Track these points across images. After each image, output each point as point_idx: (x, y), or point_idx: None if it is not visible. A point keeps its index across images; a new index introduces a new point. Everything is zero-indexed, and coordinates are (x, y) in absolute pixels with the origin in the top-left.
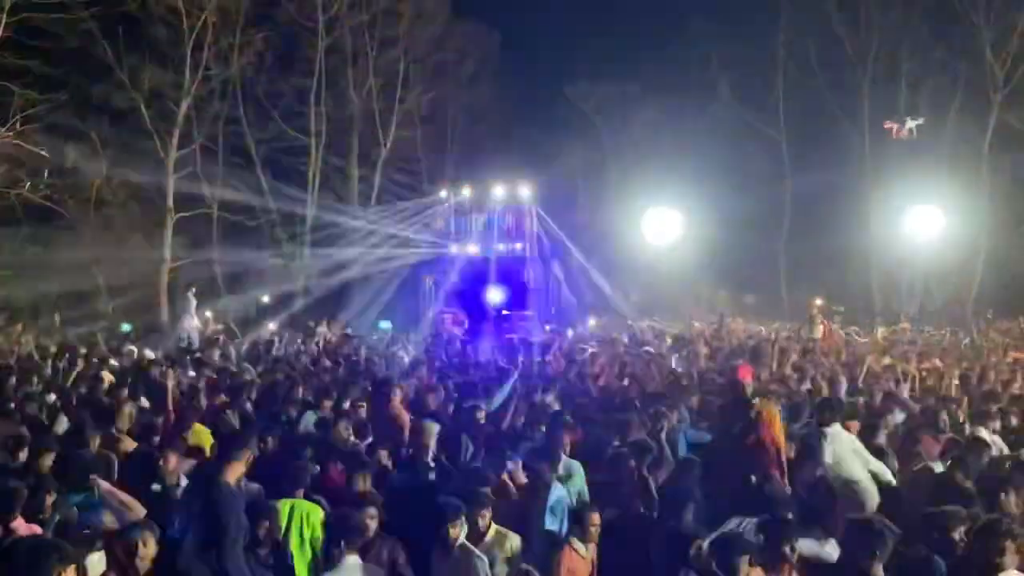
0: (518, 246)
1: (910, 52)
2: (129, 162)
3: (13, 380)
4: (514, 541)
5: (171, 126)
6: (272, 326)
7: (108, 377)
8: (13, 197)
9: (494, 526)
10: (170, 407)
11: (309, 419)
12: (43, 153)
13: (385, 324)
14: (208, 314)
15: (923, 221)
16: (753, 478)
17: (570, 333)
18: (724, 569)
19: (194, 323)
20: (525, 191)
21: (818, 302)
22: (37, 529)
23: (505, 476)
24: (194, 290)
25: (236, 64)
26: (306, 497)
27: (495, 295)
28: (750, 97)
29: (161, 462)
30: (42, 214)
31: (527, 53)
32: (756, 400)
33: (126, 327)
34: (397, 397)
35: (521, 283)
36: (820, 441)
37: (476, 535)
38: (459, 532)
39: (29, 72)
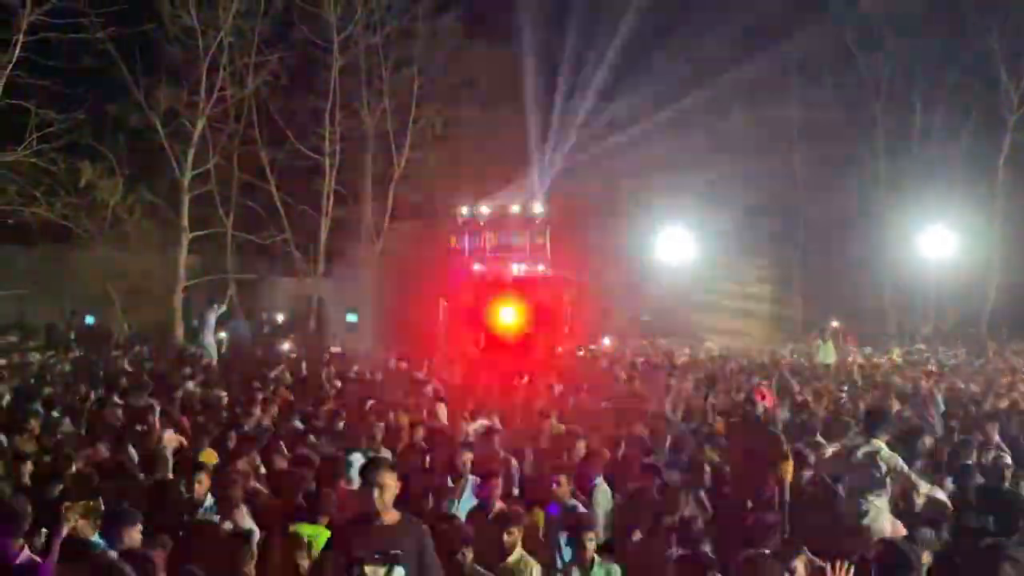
0: (532, 265)
1: (924, 73)
2: (145, 181)
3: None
4: (534, 570)
5: (186, 145)
6: (287, 345)
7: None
8: (29, 215)
9: (520, 550)
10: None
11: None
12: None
13: (352, 317)
14: (222, 334)
15: (937, 241)
16: (749, 503)
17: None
18: None
19: (212, 338)
20: (539, 210)
21: (834, 324)
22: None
23: None
24: (216, 305)
25: (251, 84)
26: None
27: (509, 314)
28: (764, 117)
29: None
30: (58, 232)
31: (540, 72)
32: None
33: (90, 320)
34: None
35: (535, 302)
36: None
37: (500, 553)
38: (469, 555)
39: (46, 91)
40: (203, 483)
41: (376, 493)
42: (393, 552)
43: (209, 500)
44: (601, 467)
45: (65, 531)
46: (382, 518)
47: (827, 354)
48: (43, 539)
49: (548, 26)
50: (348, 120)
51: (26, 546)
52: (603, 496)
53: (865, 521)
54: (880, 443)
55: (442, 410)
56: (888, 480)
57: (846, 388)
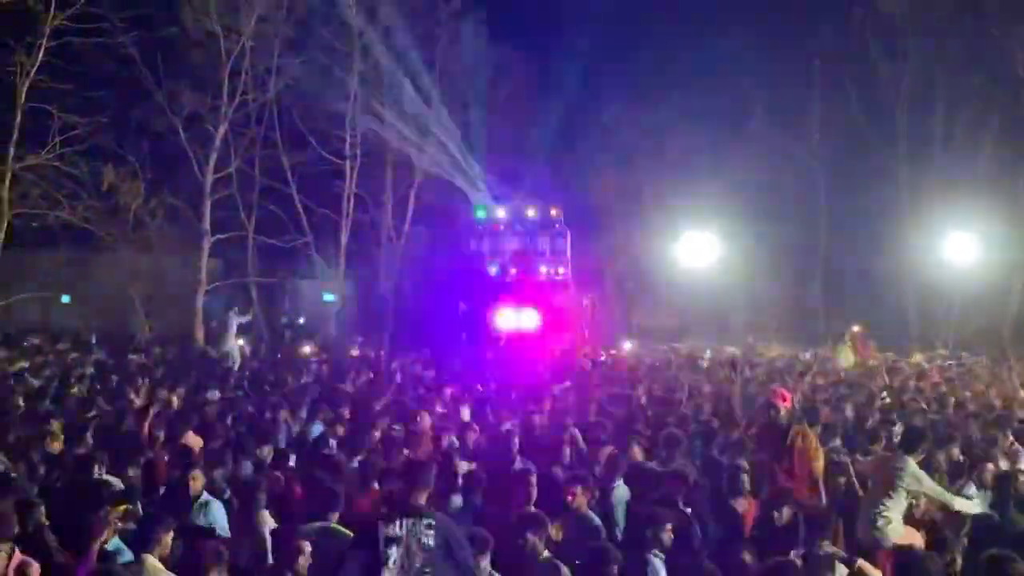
0: (551, 269)
1: (946, 77)
2: (167, 184)
3: None
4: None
5: (208, 149)
6: (307, 348)
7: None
8: (53, 218)
9: (546, 553)
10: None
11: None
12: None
13: (329, 297)
14: (240, 342)
15: (960, 247)
16: (786, 510)
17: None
18: None
19: (235, 343)
20: (558, 214)
21: (855, 328)
22: (34, 564)
23: None
24: (236, 309)
25: (273, 88)
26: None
27: (528, 319)
28: (784, 121)
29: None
30: (80, 236)
31: (562, 77)
32: (793, 426)
33: (65, 298)
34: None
35: (554, 306)
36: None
37: (524, 555)
38: (486, 561)
39: (69, 95)
40: (197, 480)
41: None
42: None
43: (205, 496)
44: (622, 472)
45: (106, 535)
46: None
47: (846, 357)
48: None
49: (569, 32)
50: (369, 124)
51: (16, 550)
52: (622, 494)
53: (879, 525)
54: (911, 461)
55: (465, 413)
56: (907, 495)
57: (885, 393)
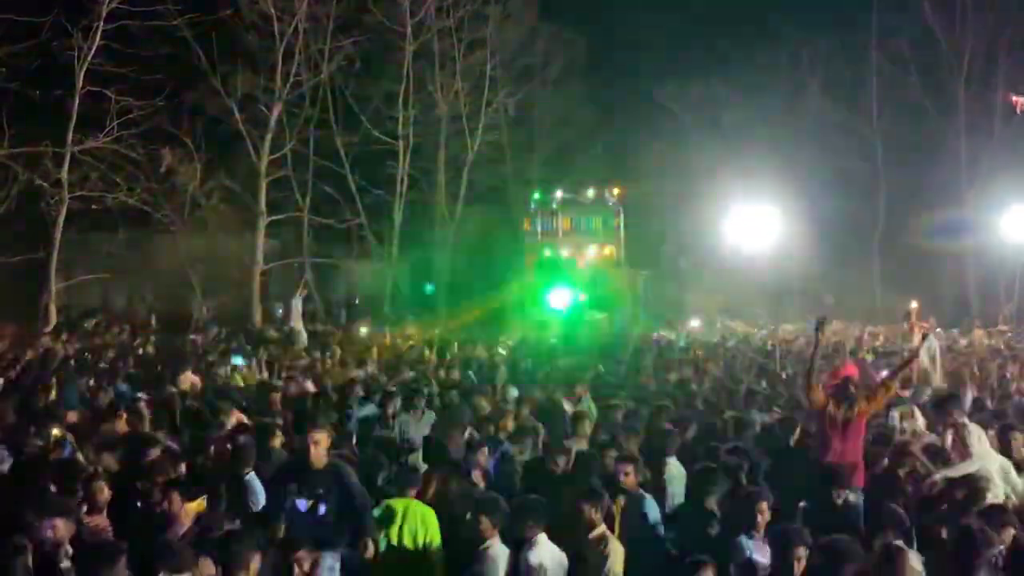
0: (605, 248)
1: (1007, 51)
2: (222, 166)
3: None
4: (615, 551)
5: (263, 131)
6: (364, 329)
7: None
8: (111, 201)
9: (603, 528)
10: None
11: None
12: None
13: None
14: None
15: (1020, 222)
16: (843, 492)
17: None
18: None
19: (301, 325)
20: (612, 192)
21: (913, 305)
22: None
23: None
24: (304, 293)
25: (326, 69)
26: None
27: (578, 297)
28: (842, 95)
29: None
30: (138, 218)
31: (614, 54)
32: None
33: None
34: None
35: (608, 285)
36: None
37: (580, 527)
38: (536, 535)
39: (125, 78)
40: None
41: (312, 449)
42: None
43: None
44: (675, 447)
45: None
46: (313, 464)
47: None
48: None
49: (622, 7)
50: (422, 104)
51: None
52: (676, 469)
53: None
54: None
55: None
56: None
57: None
